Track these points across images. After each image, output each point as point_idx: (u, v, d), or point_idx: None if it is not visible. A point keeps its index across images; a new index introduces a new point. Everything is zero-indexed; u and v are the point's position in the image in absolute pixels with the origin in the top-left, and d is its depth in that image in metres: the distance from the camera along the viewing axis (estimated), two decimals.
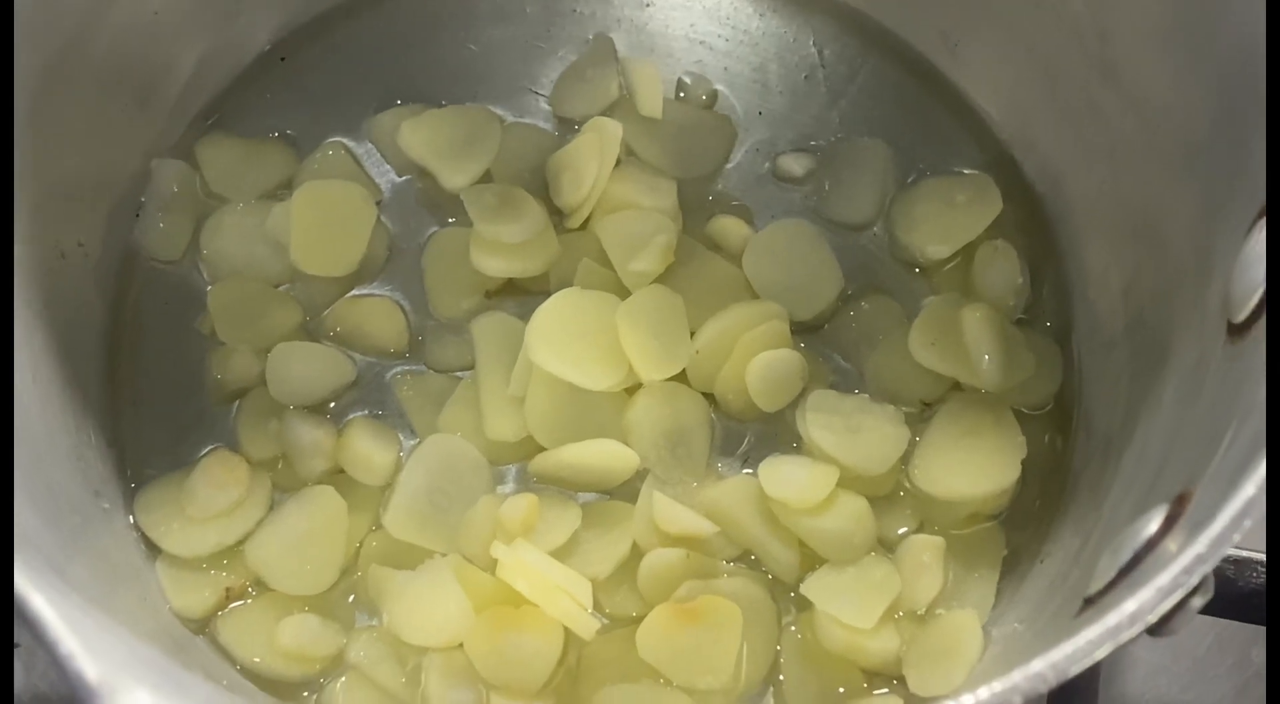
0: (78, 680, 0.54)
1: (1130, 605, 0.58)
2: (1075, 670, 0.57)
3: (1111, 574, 0.66)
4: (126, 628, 0.70)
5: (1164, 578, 0.58)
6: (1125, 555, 0.65)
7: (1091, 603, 0.67)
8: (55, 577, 0.58)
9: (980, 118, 1.00)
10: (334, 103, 1.00)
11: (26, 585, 0.56)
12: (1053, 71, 0.92)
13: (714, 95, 1.01)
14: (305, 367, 0.91)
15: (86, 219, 0.91)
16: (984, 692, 0.56)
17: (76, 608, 0.57)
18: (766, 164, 0.99)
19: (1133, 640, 0.60)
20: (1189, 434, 0.73)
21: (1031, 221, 0.97)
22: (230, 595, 0.86)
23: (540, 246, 0.93)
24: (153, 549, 0.87)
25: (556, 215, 0.95)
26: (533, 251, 0.93)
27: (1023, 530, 0.90)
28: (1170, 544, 0.64)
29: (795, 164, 0.99)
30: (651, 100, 0.98)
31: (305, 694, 0.85)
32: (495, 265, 0.92)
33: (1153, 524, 0.65)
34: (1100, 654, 0.57)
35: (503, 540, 0.85)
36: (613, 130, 0.94)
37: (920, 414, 0.92)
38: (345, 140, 0.99)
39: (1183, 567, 0.58)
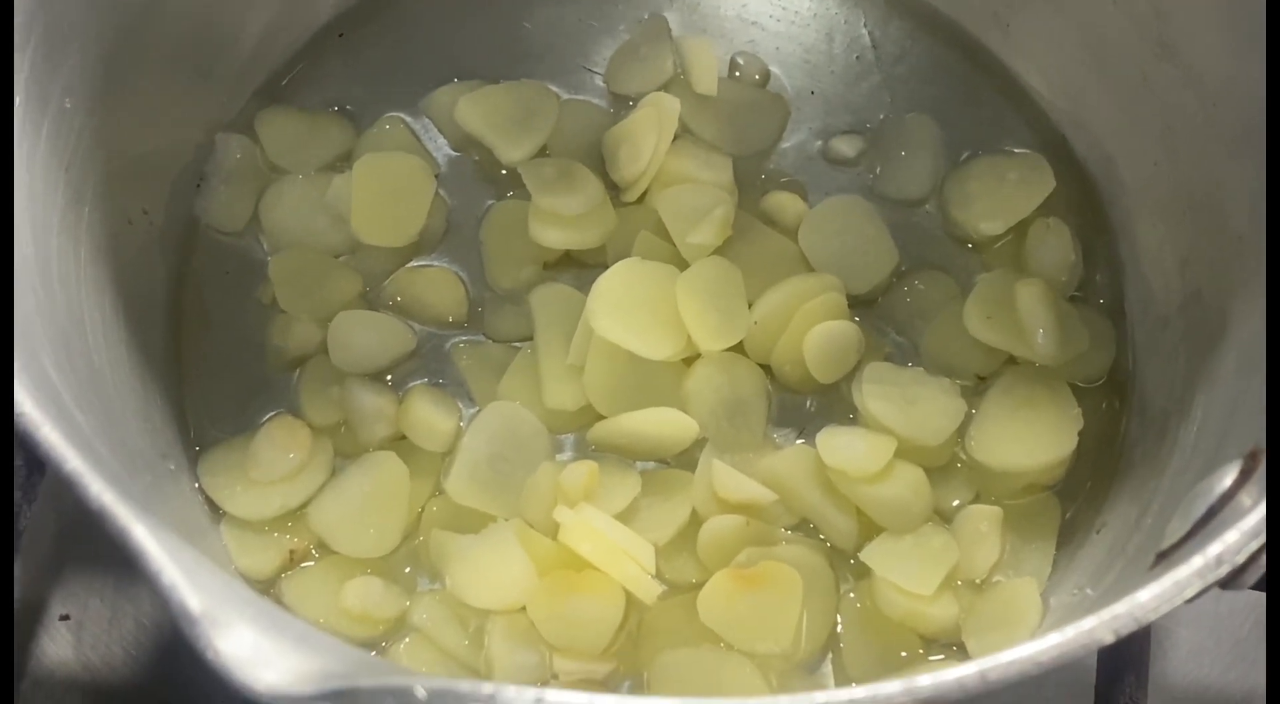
0: (180, 610, 0.54)
1: (1215, 548, 0.58)
2: (1163, 610, 0.57)
3: (1186, 527, 0.66)
4: None
5: (1250, 521, 0.59)
6: (1199, 510, 0.66)
7: (1165, 557, 0.68)
8: (149, 515, 0.59)
9: (1031, 97, 1.01)
10: (391, 78, 1.01)
11: (128, 518, 0.56)
12: (1106, 50, 0.93)
13: (766, 74, 1.02)
14: (366, 335, 0.92)
15: (151, 188, 0.92)
16: (1071, 630, 0.57)
17: (174, 542, 0.57)
18: (819, 143, 1.00)
19: (1197, 596, 0.60)
20: (1253, 403, 0.73)
21: (1084, 199, 0.98)
22: (294, 557, 0.87)
23: (598, 219, 0.94)
24: (217, 511, 0.88)
25: (612, 189, 0.96)
26: (590, 224, 0.94)
27: (1078, 501, 0.90)
28: (1244, 498, 0.65)
29: (847, 146, 1.00)
30: (707, 78, 0.99)
31: (371, 654, 0.85)
32: (553, 237, 0.93)
33: (1226, 479, 0.66)
34: (1189, 594, 0.58)
35: (564, 506, 0.85)
36: (671, 105, 0.95)
37: (975, 387, 0.92)
38: (402, 115, 1.00)
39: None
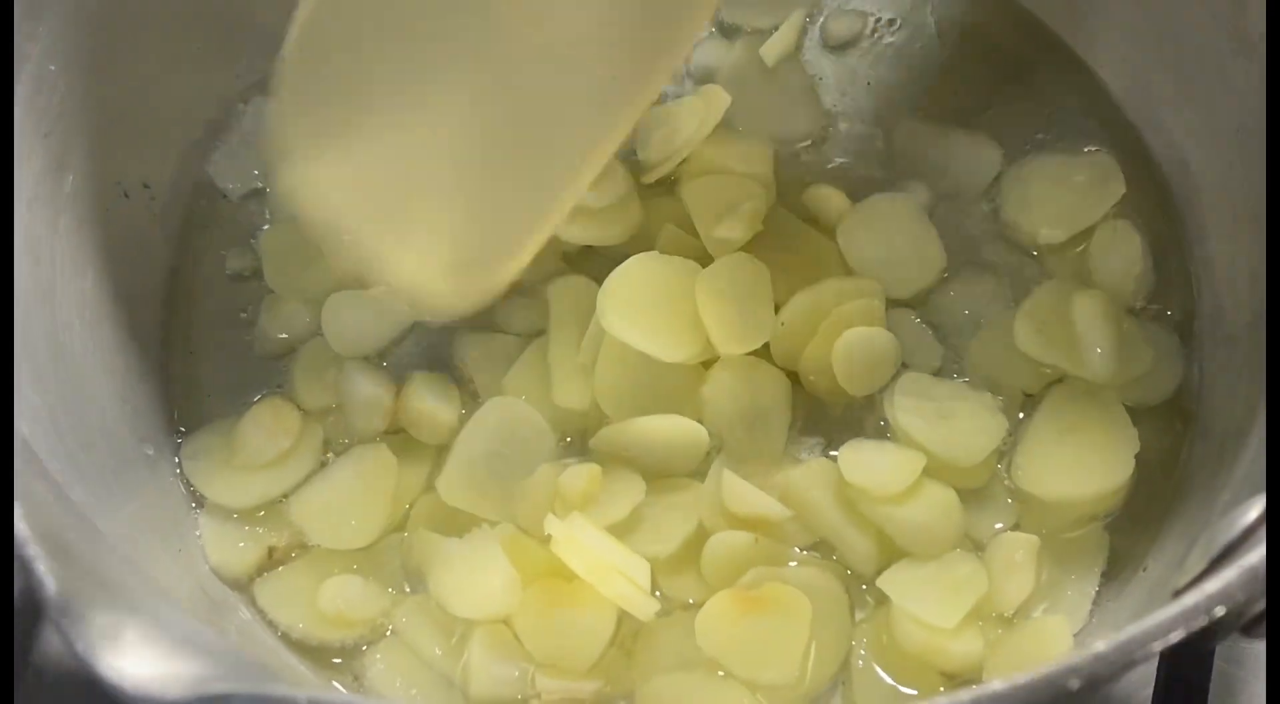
0: (40, 589, 0.51)
1: (1212, 585, 0.51)
2: (1140, 655, 0.50)
3: (1202, 565, 0.59)
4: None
5: (1253, 557, 0.51)
6: (1218, 546, 0.58)
7: (1178, 596, 0.60)
8: (45, 487, 0.55)
9: (1104, 91, 0.93)
10: None
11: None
12: (1184, 44, 0.85)
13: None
14: (360, 314, 0.88)
15: (155, 158, 0.88)
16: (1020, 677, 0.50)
17: (66, 513, 0.53)
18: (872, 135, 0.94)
19: (1224, 638, 0.53)
20: None
21: (1155, 205, 0.90)
22: (273, 556, 0.83)
23: (623, 213, 0.88)
24: (197, 501, 0.84)
25: (636, 167, 0.90)
26: (614, 218, 0.88)
27: (1126, 535, 0.82)
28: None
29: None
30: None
31: (336, 661, 0.81)
32: (573, 232, 0.88)
33: (1250, 513, 0.58)
34: (1173, 638, 0.50)
35: (560, 511, 0.80)
36: (719, 99, 0.90)
37: (1020, 405, 0.85)
38: None
39: None
